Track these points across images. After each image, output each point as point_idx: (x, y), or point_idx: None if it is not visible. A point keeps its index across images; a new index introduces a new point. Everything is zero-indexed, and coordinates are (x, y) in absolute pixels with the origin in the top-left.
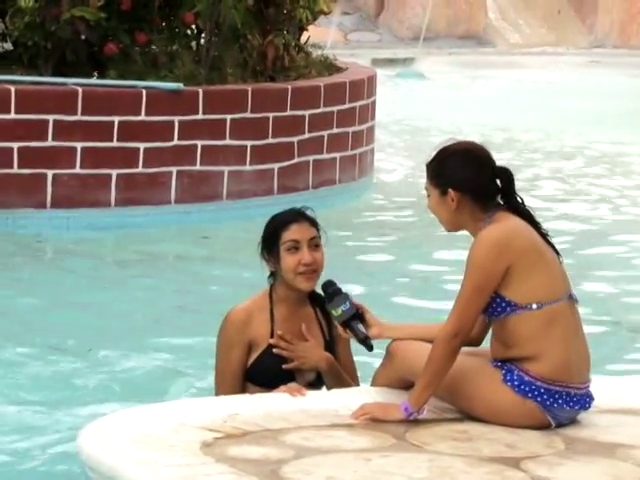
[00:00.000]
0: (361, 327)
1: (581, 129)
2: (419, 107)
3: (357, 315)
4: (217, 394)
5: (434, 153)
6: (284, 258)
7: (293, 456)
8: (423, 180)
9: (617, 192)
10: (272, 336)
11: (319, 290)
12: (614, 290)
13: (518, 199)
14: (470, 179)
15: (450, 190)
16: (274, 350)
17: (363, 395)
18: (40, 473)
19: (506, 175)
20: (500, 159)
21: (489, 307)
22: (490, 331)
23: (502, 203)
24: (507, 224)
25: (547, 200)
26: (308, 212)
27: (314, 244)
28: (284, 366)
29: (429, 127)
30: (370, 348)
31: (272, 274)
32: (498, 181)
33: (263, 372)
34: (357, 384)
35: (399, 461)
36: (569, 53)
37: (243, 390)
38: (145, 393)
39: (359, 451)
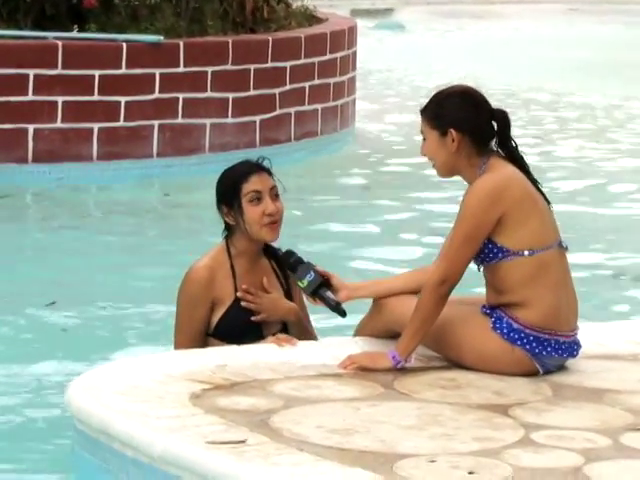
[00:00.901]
0: (330, 294)
1: (561, 77)
2: (399, 58)
3: (324, 283)
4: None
5: (430, 97)
6: (247, 210)
7: (282, 406)
8: (405, 130)
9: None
10: (236, 291)
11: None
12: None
13: (513, 143)
14: (470, 119)
15: (451, 130)
16: (242, 304)
17: (351, 345)
18: (30, 427)
19: (503, 117)
20: None
21: (481, 253)
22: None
23: (496, 150)
24: (501, 173)
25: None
26: (264, 162)
27: (275, 193)
28: (253, 318)
29: (409, 78)
30: (343, 314)
31: (227, 228)
32: (495, 124)
33: (231, 327)
34: (312, 329)
35: (388, 409)
36: (548, 1)
37: (205, 346)
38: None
39: (348, 400)
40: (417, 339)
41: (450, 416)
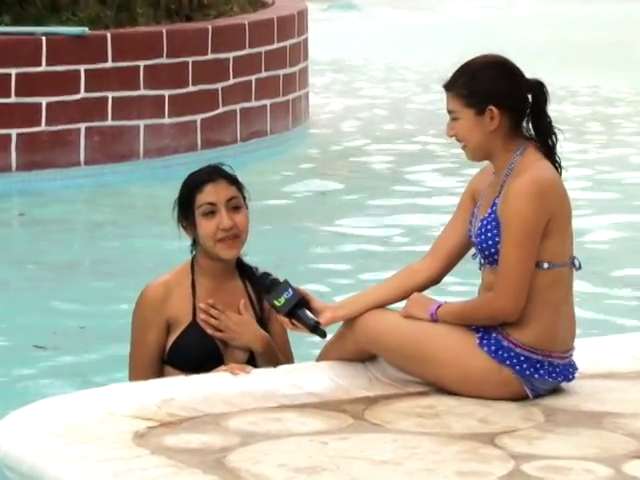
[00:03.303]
0: (309, 314)
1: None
2: (355, 44)
3: (302, 302)
4: (131, 381)
5: (457, 70)
6: (200, 224)
7: (239, 443)
8: (365, 126)
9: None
10: (195, 312)
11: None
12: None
13: (548, 119)
14: (509, 93)
15: (492, 107)
16: (200, 316)
17: (314, 371)
18: None
19: (540, 89)
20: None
21: (493, 252)
22: (481, 281)
23: (529, 134)
24: (544, 172)
25: None
26: (226, 168)
27: (234, 205)
28: (209, 331)
29: (367, 66)
30: (323, 335)
31: (194, 242)
32: (530, 98)
33: (185, 353)
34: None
35: (359, 443)
36: None
37: (161, 376)
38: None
39: (313, 434)
40: (457, 321)
41: (430, 448)
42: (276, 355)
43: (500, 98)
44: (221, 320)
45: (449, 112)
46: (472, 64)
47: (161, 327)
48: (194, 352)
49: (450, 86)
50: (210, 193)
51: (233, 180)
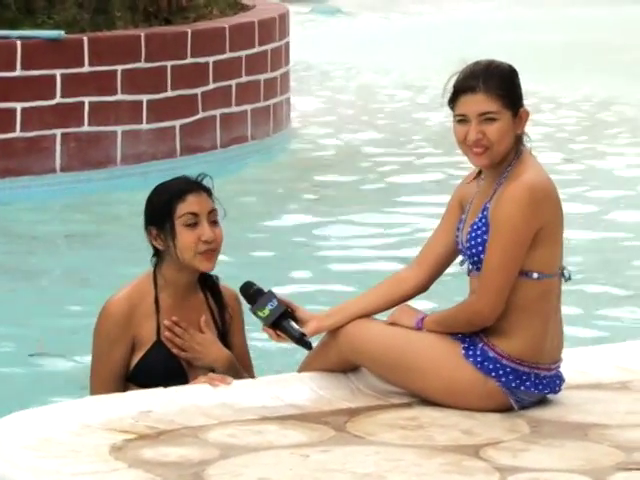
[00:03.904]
0: (294, 325)
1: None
2: (338, 48)
3: (287, 313)
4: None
5: (488, 70)
6: (181, 234)
7: (218, 456)
8: (346, 134)
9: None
10: (159, 330)
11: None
12: None
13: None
14: (522, 98)
15: (525, 110)
16: (165, 334)
17: (295, 382)
18: None
19: None
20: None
21: (482, 258)
22: (470, 289)
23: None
24: (538, 179)
25: None
26: (205, 181)
27: (213, 219)
28: (175, 351)
29: (351, 71)
30: (308, 347)
31: (156, 254)
32: None
33: (150, 372)
34: (253, 377)
35: (341, 456)
36: None
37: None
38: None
39: (294, 447)
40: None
41: (413, 461)
42: (240, 373)
43: (522, 101)
44: (185, 339)
45: (482, 114)
46: (499, 67)
47: (127, 344)
48: (159, 371)
49: (483, 86)
50: (193, 203)
51: (211, 193)
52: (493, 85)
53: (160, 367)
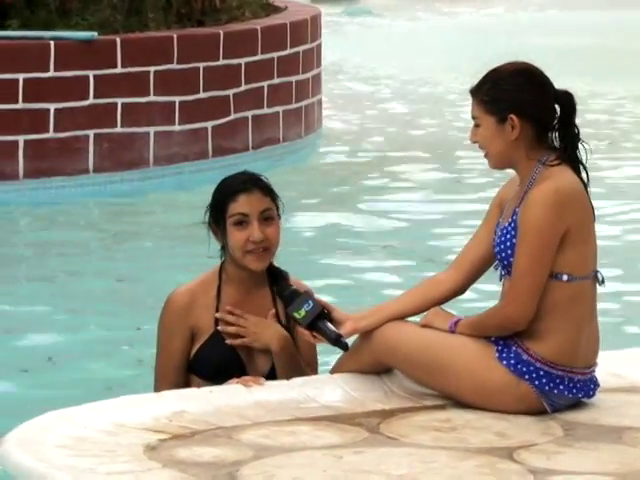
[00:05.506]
0: (330, 326)
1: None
2: (369, 50)
3: (323, 314)
4: (157, 390)
5: (484, 76)
6: (231, 233)
7: (252, 457)
8: (376, 135)
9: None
10: (217, 322)
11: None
12: None
13: (575, 130)
14: (534, 103)
15: (512, 116)
16: (219, 327)
17: (329, 383)
18: None
19: (568, 100)
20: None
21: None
22: (502, 292)
23: (556, 145)
24: (564, 181)
25: None
26: (263, 178)
27: (266, 217)
28: (228, 341)
29: (382, 73)
30: (345, 348)
31: (223, 248)
32: (558, 109)
33: (208, 363)
34: (315, 373)
35: (374, 457)
36: None
37: (187, 386)
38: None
39: (328, 448)
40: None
41: (447, 463)
42: (295, 358)
43: (523, 107)
44: (240, 324)
45: (473, 118)
46: (499, 70)
47: (185, 335)
48: (216, 362)
49: (475, 92)
50: (243, 204)
51: (268, 190)
52: (482, 91)
53: (216, 358)
